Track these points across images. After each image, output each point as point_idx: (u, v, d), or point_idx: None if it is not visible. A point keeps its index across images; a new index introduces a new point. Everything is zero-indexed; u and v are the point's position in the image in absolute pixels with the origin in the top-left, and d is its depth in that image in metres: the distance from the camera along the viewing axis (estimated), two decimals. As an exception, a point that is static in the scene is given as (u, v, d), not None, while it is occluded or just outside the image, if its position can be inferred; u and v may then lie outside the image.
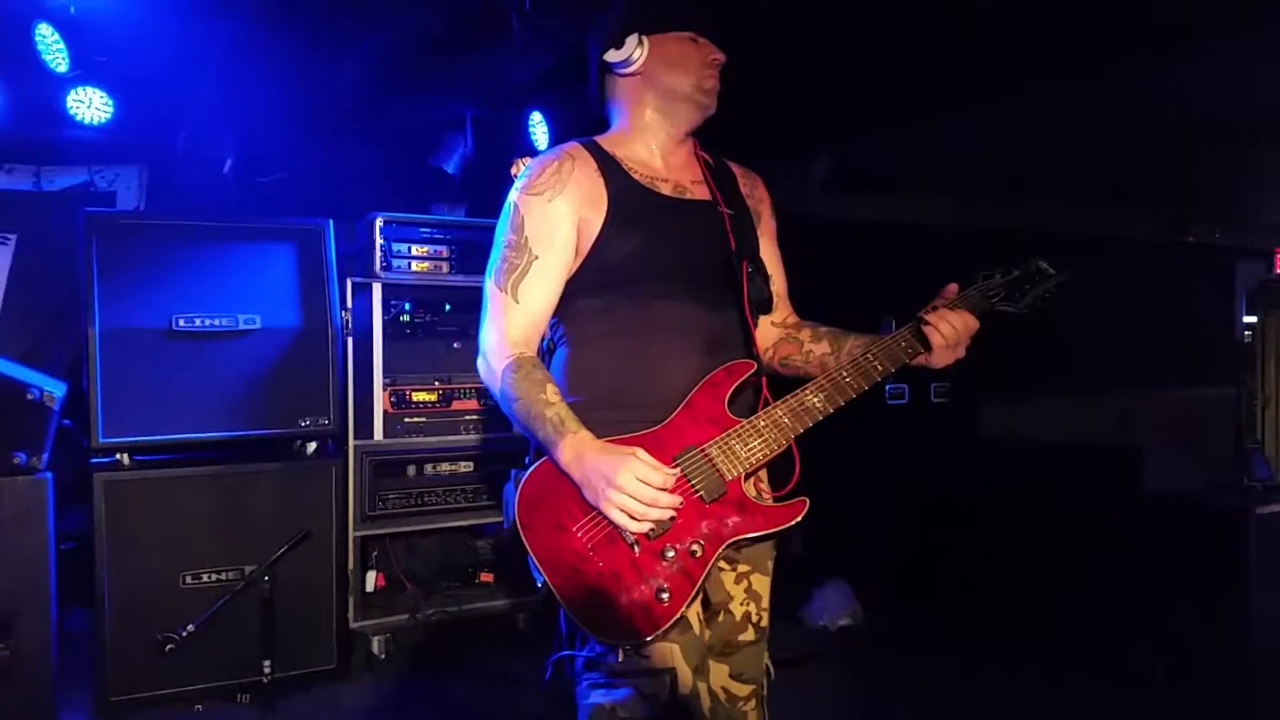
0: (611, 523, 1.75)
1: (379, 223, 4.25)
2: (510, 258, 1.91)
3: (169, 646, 3.63)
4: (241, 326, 3.86)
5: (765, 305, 2.05)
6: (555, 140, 4.42)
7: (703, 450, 1.83)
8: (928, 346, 1.94)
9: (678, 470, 1.80)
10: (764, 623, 2.02)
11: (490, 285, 1.94)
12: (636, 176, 1.97)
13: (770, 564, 2.05)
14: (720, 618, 1.98)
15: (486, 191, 4.70)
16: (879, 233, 5.76)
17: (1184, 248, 6.96)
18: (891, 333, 1.97)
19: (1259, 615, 3.66)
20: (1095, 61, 3.57)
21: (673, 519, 1.77)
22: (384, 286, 4.24)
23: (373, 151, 4.96)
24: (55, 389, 3.46)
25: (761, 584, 2.03)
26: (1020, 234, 6.05)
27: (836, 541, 5.18)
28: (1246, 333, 8.22)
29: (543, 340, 2.00)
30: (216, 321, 3.83)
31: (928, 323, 1.92)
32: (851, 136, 5.02)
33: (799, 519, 1.85)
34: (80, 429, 3.69)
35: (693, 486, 1.80)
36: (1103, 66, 3.61)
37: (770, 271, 2.11)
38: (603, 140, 2.03)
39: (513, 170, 4.61)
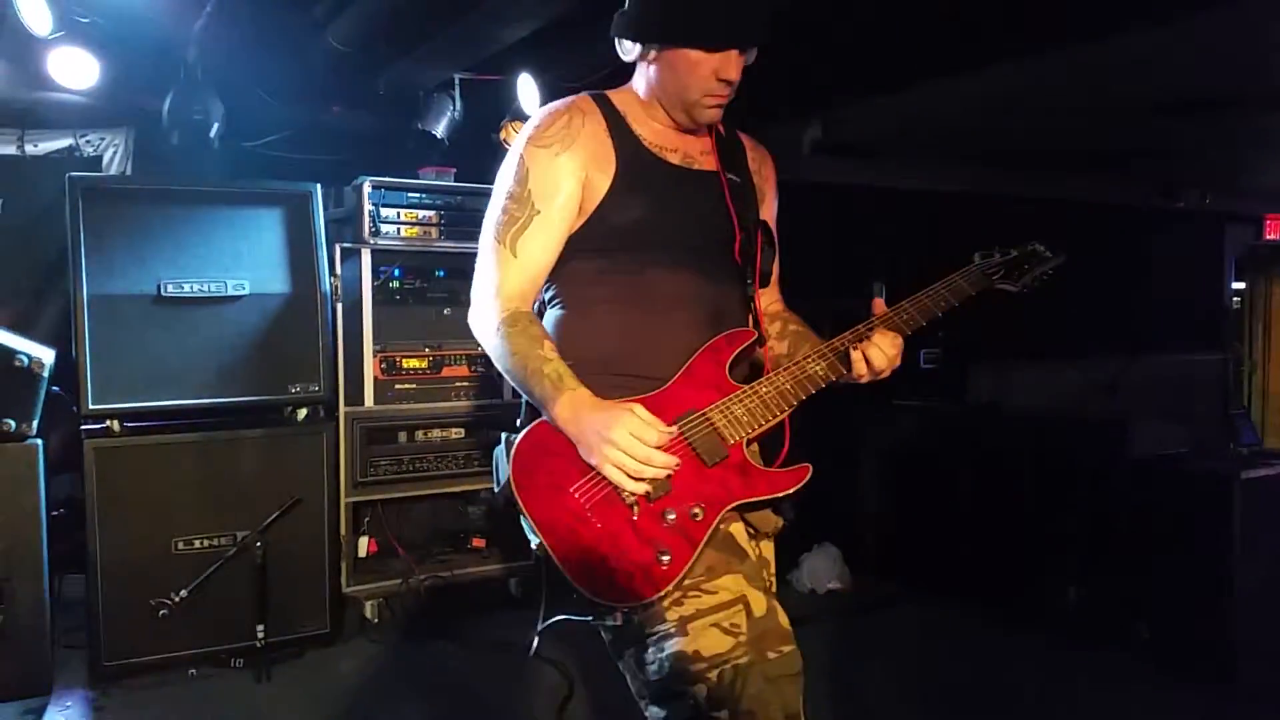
0: (609, 482, 1.73)
1: (367, 188, 4.23)
2: (512, 210, 1.86)
3: (162, 612, 3.65)
4: (230, 292, 3.84)
5: (766, 279, 2.04)
6: (545, 103, 4.39)
7: (703, 414, 1.80)
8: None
9: (675, 429, 1.77)
10: (774, 587, 2.02)
11: (488, 238, 1.88)
12: (645, 142, 1.93)
13: (772, 530, 2.02)
14: None
15: (475, 155, 4.67)
16: (868, 198, 5.76)
17: (1174, 214, 6.96)
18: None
19: (1243, 579, 3.70)
20: (1085, 26, 3.56)
21: (670, 479, 1.74)
22: (373, 252, 4.23)
23: (361, 116, 4.92)
24: (44, 355, 3.45)
25: (769, 549, 2.03)
26: (1009, 200, 6.05)
27: (825, 507, 5.23)
28: (1235, 299, 8.26)
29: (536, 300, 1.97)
30: (205, 287, 3.81)
31: (857, 348, 1.90)
32: (840, 102, 5.00)
33: (802, 484, 1.84)
34: (70, 396, 3.68)
35: (694, 449, 1.78)
36: (1093, 31, 3.59)
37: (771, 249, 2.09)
38: (614, 96, 1.98)
39: (501, 135, 4.58)
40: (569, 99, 1.96)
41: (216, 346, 3.82)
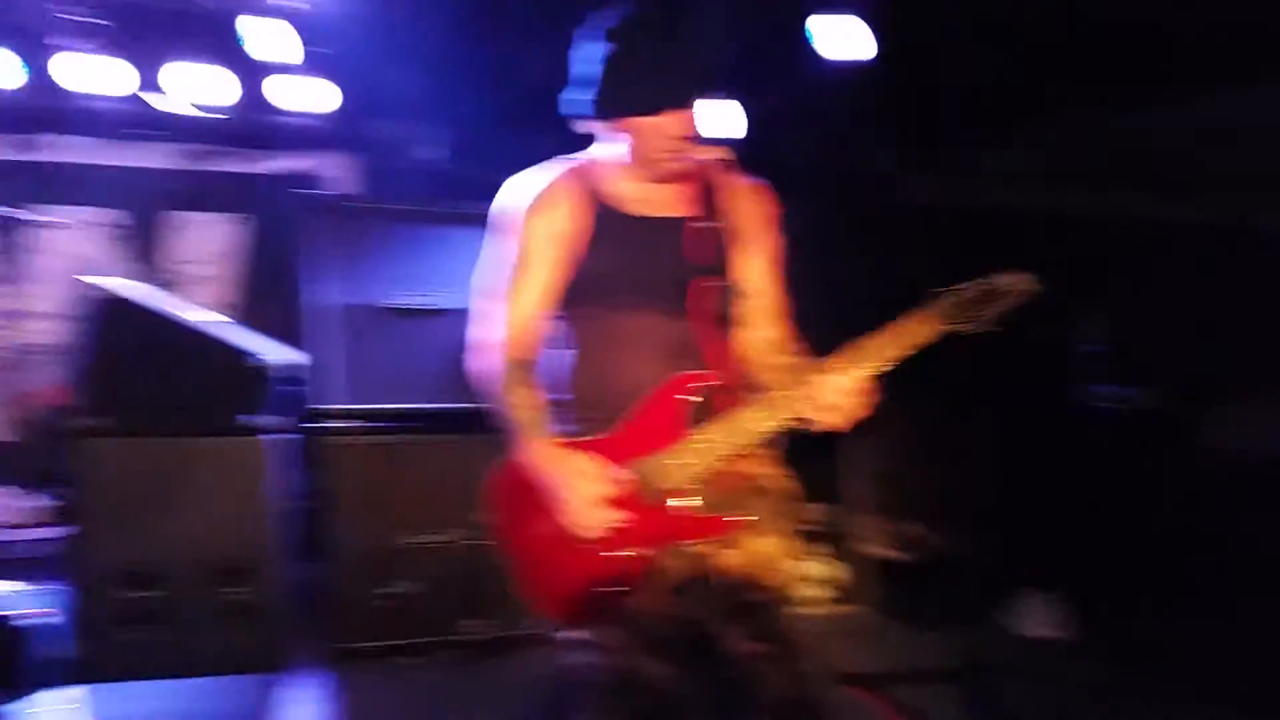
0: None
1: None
2: (508, 268, 2.13)
3: (388, 602, 3.79)
4: (449, 305, 3.97)
5: (723, 320, 2.11)
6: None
7: (645, 462, 2.00)
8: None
9: (626, 476, 1.98)
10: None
11: (483, 293, 2.16)
12: (616, 199, 2.12)
13: (785, 525, 2.13)
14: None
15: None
16: (1059, 225, 5.44)
17: None
18: None
19: None
20: None
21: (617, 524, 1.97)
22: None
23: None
24: (284, 356, 3.65)
25: (769, 545, 2.09)
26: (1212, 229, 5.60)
27: (1050, 547, 4.83)
28: None
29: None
30: (426, 299, 3.99)
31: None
32: (1039, 125, 4.78)
33: (722, 534, 2.01)
34: (304, 396, 3.89)
35: (639, 493, 1.98)
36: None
37: (759, 287, 2.17)
38: (596, 157, 2.16)
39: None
40: (556, 164, 2.18)
41: (438, 355, 3.94)
